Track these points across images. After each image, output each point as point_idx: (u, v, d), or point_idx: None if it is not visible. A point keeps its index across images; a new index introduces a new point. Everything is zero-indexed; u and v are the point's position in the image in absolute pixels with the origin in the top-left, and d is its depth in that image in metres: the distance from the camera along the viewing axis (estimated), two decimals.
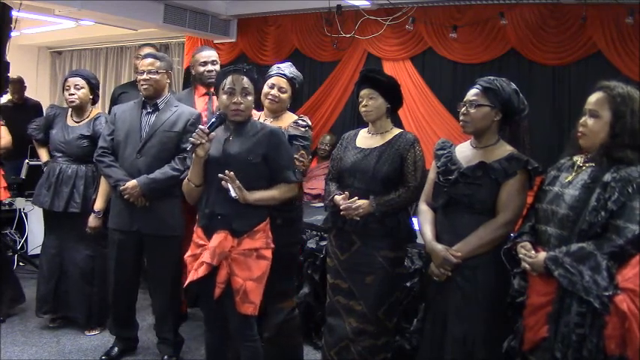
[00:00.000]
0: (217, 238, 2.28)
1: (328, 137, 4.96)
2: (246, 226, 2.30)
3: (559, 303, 1.89)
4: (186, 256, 2.41)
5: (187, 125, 2.85)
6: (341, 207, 2.47)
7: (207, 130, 2.28)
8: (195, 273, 2.29)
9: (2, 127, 3.42)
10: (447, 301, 2.19)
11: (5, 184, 3.44)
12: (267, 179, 2.35)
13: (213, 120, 2.37)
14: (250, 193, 2.27)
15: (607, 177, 1.86)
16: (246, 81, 2.32)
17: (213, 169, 2.31)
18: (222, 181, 2.26)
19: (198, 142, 2.27)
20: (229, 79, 2.32)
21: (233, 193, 2.26)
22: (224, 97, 2.33)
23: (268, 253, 2.35)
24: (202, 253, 2.31)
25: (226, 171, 2.26)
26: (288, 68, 2.80)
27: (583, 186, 1.90)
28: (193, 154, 2.31)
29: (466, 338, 2.12)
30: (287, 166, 2.37)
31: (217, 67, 3.43)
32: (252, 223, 2.32)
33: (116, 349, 3.04)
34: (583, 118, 1.96)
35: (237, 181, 2.26)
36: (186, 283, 2.33)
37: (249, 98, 2.34)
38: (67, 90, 3.26)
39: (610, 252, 1.80)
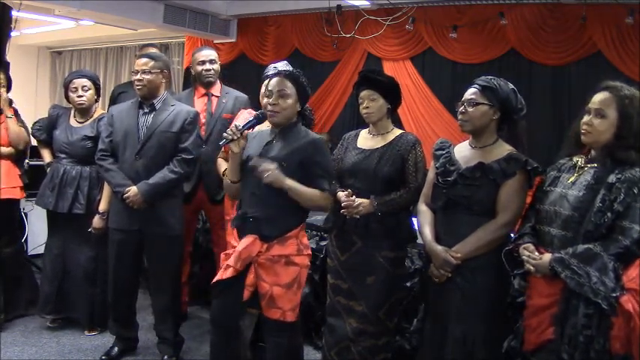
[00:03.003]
0: (245, 242, 2.27)
1: (322, 136, 4.95)
2: (277, 231, 2.25)
3: (565, 304, 1.89)
4: (222, 253, 2.42)
5: (185, 124, 2.85)
6: (342, 204, 2.47)
7: (240, 128, 2.28)
8: (223, 273, 2.30)
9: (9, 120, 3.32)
10: (447, 301, 2.18)
11: (21, 184, 3.42)
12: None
13: (251, 119, 2.37)
14: (288, 179, 2.21)
15: (611, 178, 1.86)
16: (284, 83, 2.27)
17: (250, 170, 2.30)
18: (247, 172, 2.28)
19: (230, 138, 2.27)
20: (270, 82, 2.31)
21: (265, 177, 2.19)
22: (264, 100, 2.33)
23: (300, 260, 2.29)
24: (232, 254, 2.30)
25: (255, 159, 2.25)
26: (284, 67, 2.80)
27: (587, 187, 1.90)
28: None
29: (466, 338, 2.12)
30: (321, 175, 2.28)
31: (215, 67, 3.42)
32: (283, 228, 2.26)
33: (116, 349, 3.04)
34: (587, 117, 1.96)
35: (272, 164, 2.19)
36: (213, 281, 2.33)
37: (288, 101, 2.27)
38: (73, 92, 3.25)
39: (616, 253, 1.81)
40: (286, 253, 2.25)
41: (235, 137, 2.27)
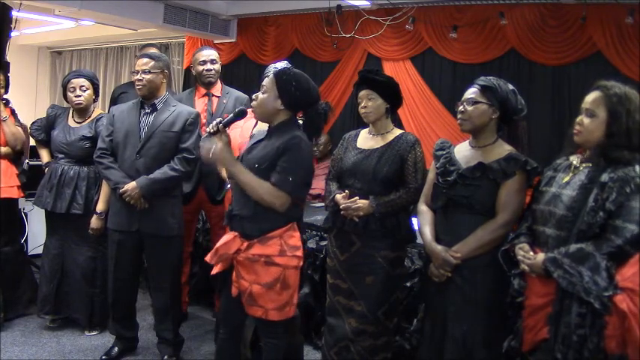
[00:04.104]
0: (224, 238, 2.27)
1: (322, 138, 4.94)
2: (257, 230, 2.22)
3: (559, 304, 1.89)
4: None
5: (186, 125, 2.85)
6: (341, 206, 2.47)
7: (219, 121, 2.28)
8: (215, 268, 2.32)
9: (3, 122, 3.33)
10: (447, 301, 2.19)
11: (19, 183, 3.43)
12: None
13: (231, 115, 2.37)
14: (237, 164, 2.22)
15: (604, 177, 1.86)
16: (266, 80, 2.27)
17: None
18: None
19: (210, 131, 2.26)
20: None
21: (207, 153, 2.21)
22: None
23: (284, 261, 2.21)
24: None
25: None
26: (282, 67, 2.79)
27: (580, 187, 1.90)
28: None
29: (466, 338, 2.13)
30: (279, 169, 2.19)
31: (216, 67, 3.42)
32: (264, 228, 2.22)
33: (116, 349, 3.04)
34: (580, 117, 1.97)
35: (220, 144, 2.21)
36: (211, 273, 2.35)
37: (263, 95, 2.26)
38: (71, 91, 3.25)
39: (609, 252, 1.80)
40: (267, 253, 2.20)
41: (213, 130, 2.26)
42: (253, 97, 2.30)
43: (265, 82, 2.29)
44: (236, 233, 2.26)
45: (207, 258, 2.30)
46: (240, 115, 2.36)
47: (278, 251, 2.22)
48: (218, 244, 2.28)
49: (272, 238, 2.22)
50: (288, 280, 2.25)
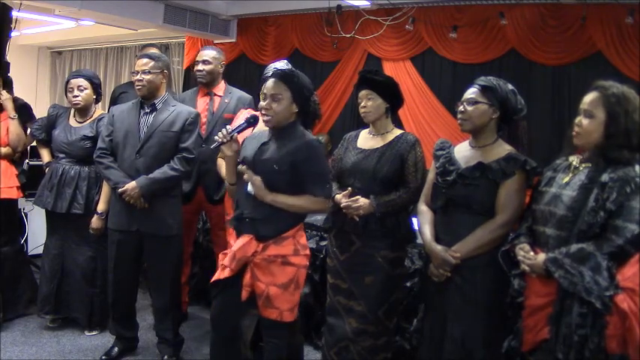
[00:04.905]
0: (240, 241, 2.27)
1: (321, 137, 4.94)
2: (273, 231, 2.24)
3: (559, 304, 1.89)
4: (220, 253, 2.41)
5: (185, 125, 2.85)
6: (342, 204, 2.47)
7: (229, 131, 2.28)
8: (220, 273, 2.30)
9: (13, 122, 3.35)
10: (447, 301, 2.19)
11: (18, 184, 3.43)
12: (296, 188, 2.24)
13: (242, 123, 2.37)
14: (271, 194, 2.22)
15: (604, 177, 1.86)
16: (277, 86, 2.23)
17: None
18: (243, 175, 2.26)
19: (220, 140, 2.27)
20: (265, 84, 2.28)
21: (249, 187, 2.24)
22: (261, 102, 2.30)
23: (298, 260, 2.26)
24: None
25: (243, 165, 2.26)
26: (282, 67, 2.79)
27: (580, 187, 1.90)
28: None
29: (465, 338, 2.13)
30: (313, 179, 2.23)
31: (208, 67, 3.37)
32: (279, 228, 2.24)
33: (116, 349, 3.04)
34: (578, 118, 1.97)
35: (257, 177, 2.22)
36: (211, 281, 2.34)
37: (281, 104, 2.23)
38: (70, 92, 3.25)
39: (610, 252, 1.80)
40: (282, 253, 2.23)
41: (225, 140, 2.27)
42: (265, 105, 2.25)
43: (273, 89, 2.24)
44: (250, 236, 2.26)
45: (226, 262, 2.28)
46: (253, 122, 2.36)
47: (292, 251, 2.25)
48: (234, 248, 2.27)
49: (286, 239, 2.25)
50: (300, 280, 2.29)
